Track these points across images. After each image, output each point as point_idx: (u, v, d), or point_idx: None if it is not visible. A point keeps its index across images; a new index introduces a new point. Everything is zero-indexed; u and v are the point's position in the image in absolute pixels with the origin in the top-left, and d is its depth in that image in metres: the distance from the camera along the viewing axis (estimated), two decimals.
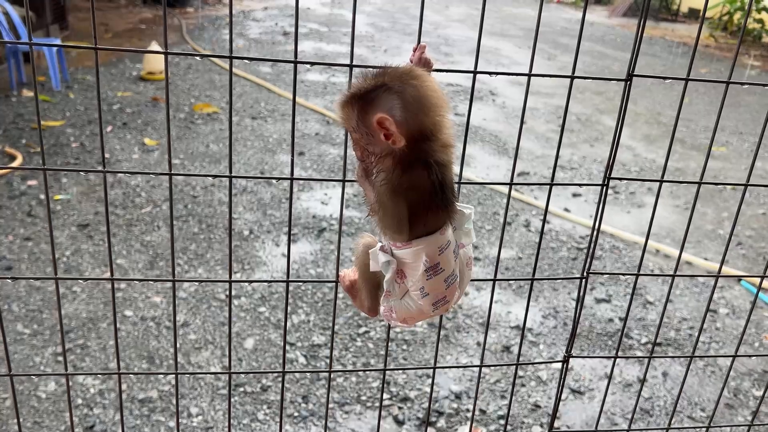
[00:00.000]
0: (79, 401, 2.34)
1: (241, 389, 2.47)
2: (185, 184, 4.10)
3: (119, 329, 2.73)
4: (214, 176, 0.82)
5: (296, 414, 2.37)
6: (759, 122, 7.01)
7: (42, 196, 3.75)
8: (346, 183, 1.01)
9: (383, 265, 0.97)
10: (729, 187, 4.98)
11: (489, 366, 1.06)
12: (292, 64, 0.94)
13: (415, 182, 0.90)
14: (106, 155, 4.40)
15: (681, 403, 2.63)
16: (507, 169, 4.96)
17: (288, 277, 1.01)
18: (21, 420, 2.23)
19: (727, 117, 7.04)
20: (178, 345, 2.67)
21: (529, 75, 0.92)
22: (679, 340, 3.02)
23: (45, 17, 6.76)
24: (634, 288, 1.11)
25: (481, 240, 3.80)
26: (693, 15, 15.11)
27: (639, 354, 2.90)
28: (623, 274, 1.19)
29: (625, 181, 4.91)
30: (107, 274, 3.09)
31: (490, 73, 0.92)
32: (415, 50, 0.94)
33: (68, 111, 5.15)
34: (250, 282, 1.14)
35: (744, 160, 5.71)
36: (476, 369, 2.69)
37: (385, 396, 2.51)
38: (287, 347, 2.71)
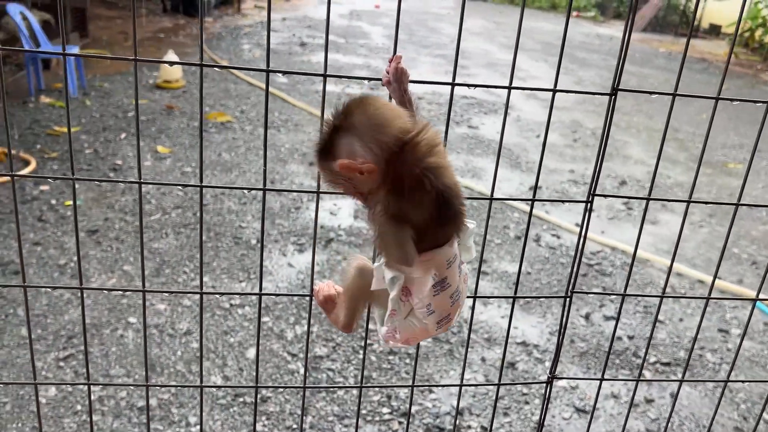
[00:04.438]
0: (79, 407, 2.33)
1: (241, 399, 2.45)
2: (195, 191, 4.11)
3: (122, 336, 2.73)
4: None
5: (295, 426, 2.35)
6: None
7: (53, 201, 3.78)
8: (321, 195, 1.00)
9: (390, 282, 0.93)
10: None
11: (469, 386, 1.04)
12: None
13: (415, 199, 0.85)
14: (118, 162, 4.44)
15: (689, 425, 2.57)
16: (519, 182, 4.92)
17: (260, 290, 1.00)
18: (20, 425, 2.23)
19: (746, 135, 6.95)
20: (179, 353, 2.66)
21: (509, 88, 0.89)
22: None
23: (66, 25, 6.86)
24: (621, 308, 1.08)
25: (490, 254, 3.76)
26: (714, 31, 14.98)
27: (647, 374, 2.84)
28: (608, 294, 1.16)
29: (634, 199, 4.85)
30: (112, 282, 3.10)
31: (468, 85, 0.90)
32: (390, 61, 0.92)
33: (84, 118, 5.21)
34: (221, 294, 1.13)
35: (762, 177, 5.62)
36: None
37: (385, 410, 2.48)
38: (289, 358, 2.69)
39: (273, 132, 5.39)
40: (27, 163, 4.22)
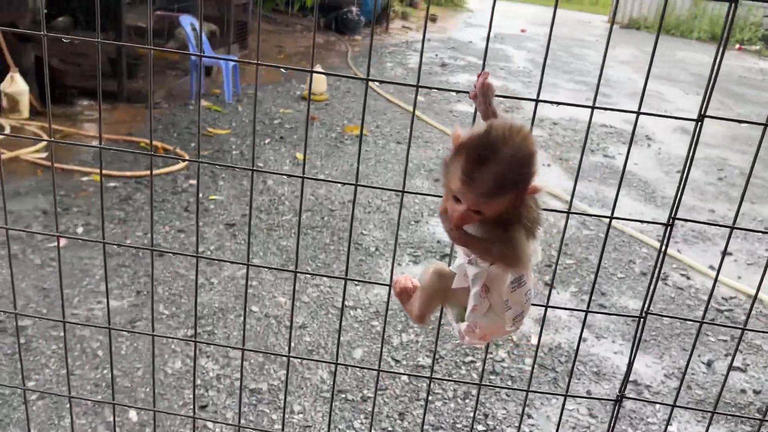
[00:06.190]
0: (198, 382, 2.56)
1: (343, 396, 2.57)
2: (325, 198, 4.34)
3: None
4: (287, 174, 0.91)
5: (390, 428, 2.42)
6: None
7: (200, 195, 4.15)
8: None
9: (474, 278, 1.00)
10: None
11: (535, 392, 1.05)
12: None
13: (528, 204, 0.94)
14: (260, 164, 4.78)
15: None
16: (652, 218, 4.71)
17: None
18: (148, 389, 2.49)
19: None
20: (293, 345, 2.83)
21: (592, 108, 0.92)
22: None
23: (229, 36, 7.50)
24: (693, 349, 1.04)
25: (611, 287, 3.64)
26: None
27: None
28: (683, 320, 1.10)
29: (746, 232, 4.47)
30: (241, 272, 3.36)
31: (551, 102, 0.93)
32: (479, 76, 0.98)
33: (234, 122, 5.67)
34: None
35: None
36: (581, 417, 2.58)
37: (480, 428, 2.49)
38: (392, 363, 2.78)
39: (404, 147, 5.55)
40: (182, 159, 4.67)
